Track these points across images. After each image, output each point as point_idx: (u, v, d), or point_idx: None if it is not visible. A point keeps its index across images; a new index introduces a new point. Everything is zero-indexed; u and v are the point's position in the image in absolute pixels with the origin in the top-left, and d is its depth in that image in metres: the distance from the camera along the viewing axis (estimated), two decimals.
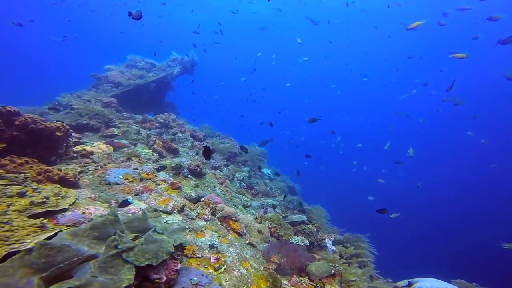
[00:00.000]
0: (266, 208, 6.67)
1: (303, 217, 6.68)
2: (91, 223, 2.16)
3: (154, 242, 2.17)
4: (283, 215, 6.76)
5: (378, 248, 6.36)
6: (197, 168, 5.86)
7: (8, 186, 2.70)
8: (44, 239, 2.16)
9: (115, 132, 6.93)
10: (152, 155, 5.96)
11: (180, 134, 8.09)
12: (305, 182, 12.98)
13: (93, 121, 7.05)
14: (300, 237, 5.11)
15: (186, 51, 13.68)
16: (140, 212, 2.49)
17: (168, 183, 5.04)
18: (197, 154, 7.30)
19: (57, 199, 2.96)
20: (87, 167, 4.57)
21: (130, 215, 3.73)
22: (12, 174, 3.01)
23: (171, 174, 5.48)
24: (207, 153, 4.03)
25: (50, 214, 2.83)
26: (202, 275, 2.79)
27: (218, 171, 7.23)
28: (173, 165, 5.62)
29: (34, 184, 3.01)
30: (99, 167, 4.69)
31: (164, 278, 2.18)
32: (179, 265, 2.47)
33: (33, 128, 4.32)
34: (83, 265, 1.89)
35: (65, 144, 4.79)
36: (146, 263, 1.95)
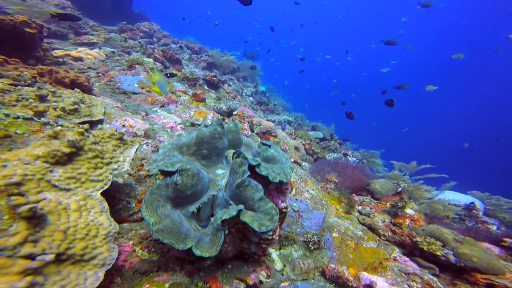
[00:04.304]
0: (284, 124, 6.18)
1: (319, 133, 6.34)
2: (197, 137, 1.49)
3: (268, 159, 1.56)
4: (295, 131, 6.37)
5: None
6: (214, 78, 4.92)
7: (19, 87, 1.74)
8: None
9: (92, 39, 5.46)
10: (155, 64, 4.83)
11: (173, 45, 6.72)
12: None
13: (54, 26, 5.38)
14: (338, 154, 4.79)
15: None
16: (231, 123, 1.82)
17: (188, 94, 4.16)
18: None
19: (88, 107, 2.08)
20: (87, 73, 3.47)
21: (168, 130, 2.98)
22: (14, 72, 1.98)
23: (187, 85, 4.54)
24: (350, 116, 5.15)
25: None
26: (297, 199, 2.34)
27: (226, 85, 6.31)
28: (187, 74, 4.62)
29: (49, 85, 2.03)
30: (101, 74, 3.61)
31: (289, 207, 1.67)
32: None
33: None
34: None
35: (42, 46, 3.51)
36: (278, 178, 1.36)
